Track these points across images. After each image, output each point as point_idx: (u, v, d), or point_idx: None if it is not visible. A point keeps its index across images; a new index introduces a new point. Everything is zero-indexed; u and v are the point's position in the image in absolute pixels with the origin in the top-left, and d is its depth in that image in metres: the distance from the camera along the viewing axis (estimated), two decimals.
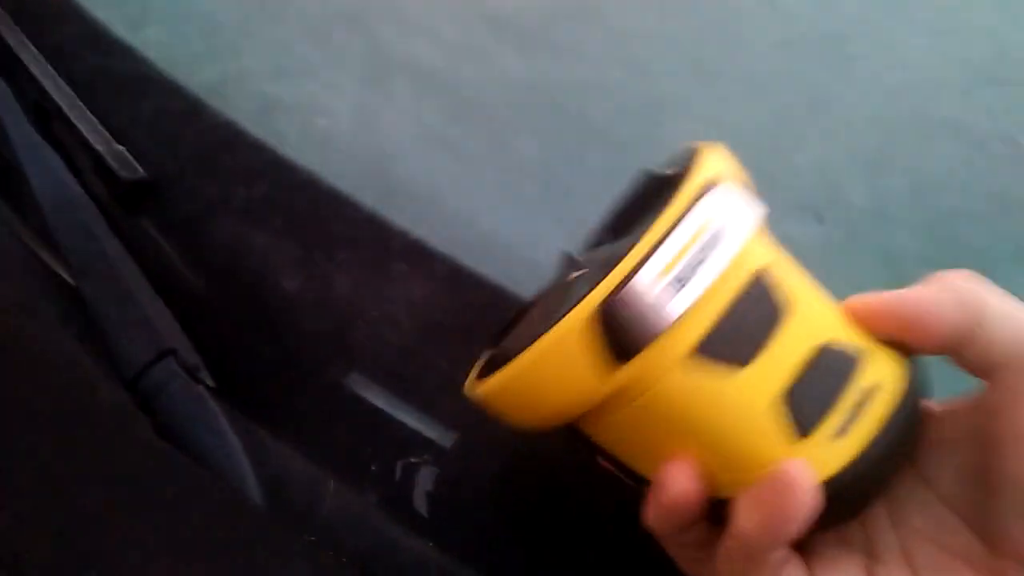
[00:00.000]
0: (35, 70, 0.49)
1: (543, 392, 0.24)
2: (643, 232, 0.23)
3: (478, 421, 0.38)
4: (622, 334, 0.22)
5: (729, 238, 0.23)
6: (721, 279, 0.23)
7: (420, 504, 0.37)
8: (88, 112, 0.47)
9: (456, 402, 0.39)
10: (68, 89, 0.49)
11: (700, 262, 0.22)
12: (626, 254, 0.23)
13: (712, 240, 0.23)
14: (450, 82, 0.49)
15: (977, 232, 0.43)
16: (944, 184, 0.44)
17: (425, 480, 0.37)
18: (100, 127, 0.47)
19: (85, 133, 0.46)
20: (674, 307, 0.22)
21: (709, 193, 0.23)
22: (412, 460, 0.38)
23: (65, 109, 0.47)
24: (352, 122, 0.47)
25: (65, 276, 0.43)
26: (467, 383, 0.29)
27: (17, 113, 0.48)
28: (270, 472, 0.36)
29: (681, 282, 0.22)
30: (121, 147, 0.46)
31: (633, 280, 0.22)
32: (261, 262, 0.42)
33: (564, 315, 0.23)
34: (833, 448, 0.23)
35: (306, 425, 0.39)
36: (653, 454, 0.25)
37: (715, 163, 0.25)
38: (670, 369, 0.23)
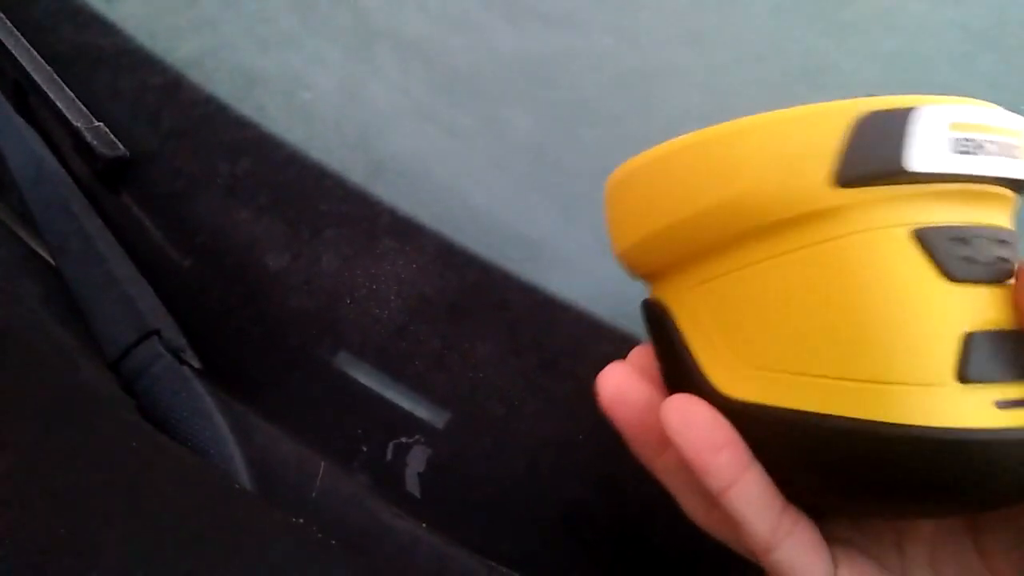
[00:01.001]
0: (11, 46, 0.48)
1: (750, 166, 0.21)
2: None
3: (470, 400, 0.38)
4: (877, 151, 0.20)
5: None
6: (988, 191, 0.21)
7: (412, 485, 0.37)
8: (66, 88, 0.46)
9: (448, 381, 0.38)
10: (46, 65, 0.47)
11: (1008, 153, 0.20)
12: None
13: (1012, 150, 0.20)
14: (438, 53, 0.47)
15: None
16: None
17: (417, 461, 0.37)
18: (79, 103, 0.45)
19: (63, 109, 0.44)
20: (947, 162, 0.20)
21: None
22: (403, 440, 0.37)
23: (43, 85, 0.46)
24: (337, 95, 0.46)
25: (46, 256, 0.42)
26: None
27: None
28: (258, 454, 0.36)
29: (975, 149, 0.20)
30: (100, 123, 0.44)
31: (931, 107, 0.20)
32: (246, 240, 0.41)
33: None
34: (981, 412, 0.20)
35: (295, 406, 0.38)
36: (765, 338, 0.22)
37: None
38: (885, 227, 0.20)
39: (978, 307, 0.21)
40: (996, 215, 0.22)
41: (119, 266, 0.39)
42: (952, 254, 0.20)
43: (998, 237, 0.21)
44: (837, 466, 0.22)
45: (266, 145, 0.44)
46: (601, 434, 0.34)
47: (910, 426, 0.20)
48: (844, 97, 0.22)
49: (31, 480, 0.31)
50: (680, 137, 0.23)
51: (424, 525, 0.35)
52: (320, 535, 0.31)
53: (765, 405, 0.22)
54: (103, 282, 0.38)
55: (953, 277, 0.20)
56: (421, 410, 0.37)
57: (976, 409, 0.20)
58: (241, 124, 0.45)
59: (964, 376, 0.20)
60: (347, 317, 0.39)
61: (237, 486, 0.33)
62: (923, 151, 0.20)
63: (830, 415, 0.21)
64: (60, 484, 0.31)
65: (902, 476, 0.21)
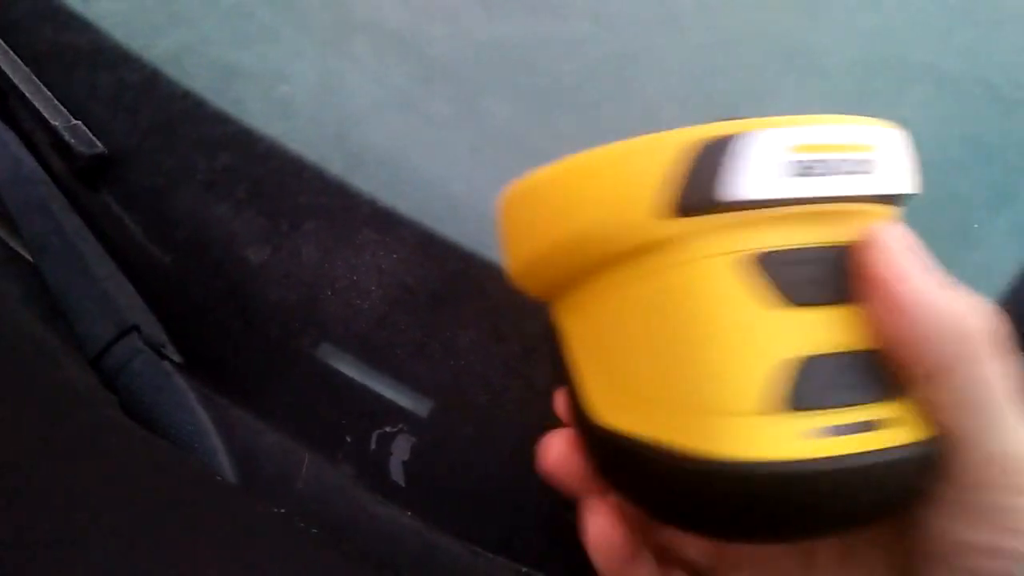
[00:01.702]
0: None
1: (590, 199, 0.21)
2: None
3: (453, 388, 0.38)
4: (707, 180, 0.19)
5: (881, 179, 0.20)
6: (839, 210, 0.20)
7: (396, 474, 0.37)
8: (44, 88, 0.46)
9: (430, 370, 0.38)
10: (23, 66, 0.47)
11: (839, 171, 0.19)
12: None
13: (863, 165, 0.20)
14: (416, 43, 0.47)
15: (954, 178, 0.42)
16: (921, 130, 0.42)
17: (401, 450, 0.37)
18: (56, 102, 0.45)
19: (41, 109, 0.44)
20: (776, 187, 0.19)
21: (895, 132, 0.21)
22: (387, 430, 0.37)
23: (20, 86, 0.46)
24: (315, 88, 0.46)
25: (26, 256, 0.42)
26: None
27: None
28: (242, 447, 0.36)
29: (810, 171, 0.19)
30: (79, 122, 0.44)
31: (761, 131, 0.19)
32: (226, 234, 0.41)
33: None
34: (801, 440, 0.20)
35: (277, 398, 0.38)
36: (616, 364, 0.22)
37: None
38: (721, 255, 0.20)
39: (816, 331, 0.20)
40: (837, 232, 0.21)
41: (99, 263, 0.39)
42: (787, 278, 0.20)
43: (839, 256, 0.21)
44: (667, 496, 0.22)
45: (245, 139, 0.44)
46: None
47: (721, 459, 0.20)
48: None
49: (15, 477, 0.31)
50: (551, 165, 0.23)
51: (409, 513, 0.35)
52: (303, 525, 0.32)
53: (619, 433, 0.22)
54: (83, 280, 0.38)
55: (788, 301, 0.20)
56: (404, 399, 0.37)
57: (797, 439, 0.19)
58: (220, 119, 0.44)
59: (790, 404, 0.20)
60: (328, 309, 0.39)
61: (220, 479, 0.33)
62: (747, 178, 0.19)
63: (662, 445, 0.21)
64: (44, 481, 0.31)
65: (724, 508, 0.21)
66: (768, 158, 0.19)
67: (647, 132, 0.22)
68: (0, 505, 0.30)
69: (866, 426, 0.20)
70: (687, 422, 0.21)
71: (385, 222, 0.41)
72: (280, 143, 0.43)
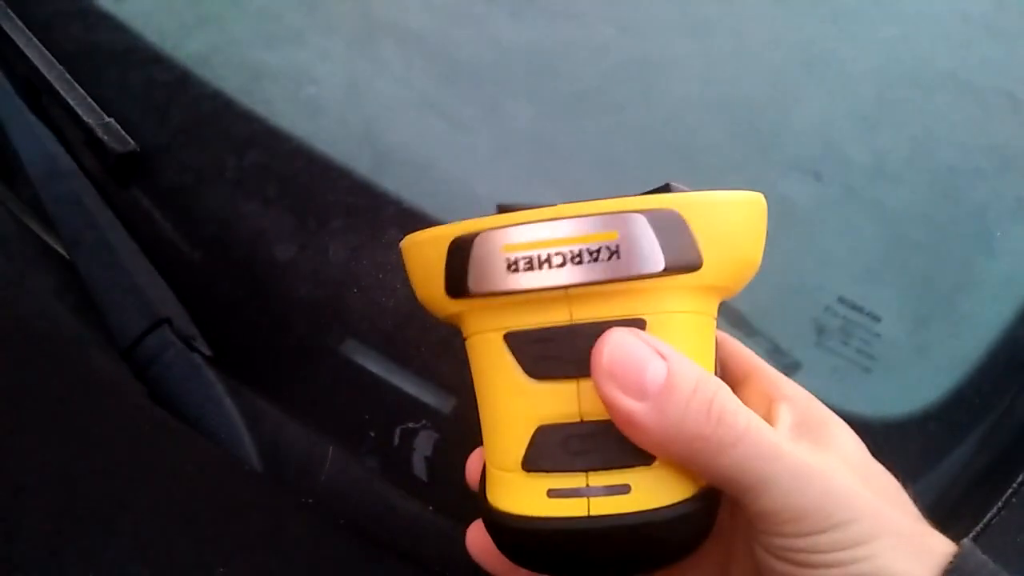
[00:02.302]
0: (23, 45, 0.48)
1: (425, 274, 0.25)
2: (555, 207, 0.23)
3: None
4: (457, 273, 0.23)
5: (610, 264, 0.22)
6: (571, 293, 0.22)
7: (419, 469, 0.37)
8: (77, 86, 0.47)
9: (453, 367, 0.39)
10: (57, 64, 0.48)
11: (565, 262, 0.22)
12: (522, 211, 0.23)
13: (591, 254, 0.22)
14: (441, 46, 0.48)
15: (976, 188, 0.42)
16: (943, 139, 0.43)
17: (424, 445, 0.37)
18: (89, 100, 0.46)
19: (75, 106, 0.45)
20: (501, 280, 0.22)
21: (634, 214, 0.22)
22: (410, 425, 0.38)
23: (54, 83, 0.46)
24: (343, 89, 0.47)
25: (59, 250, 0.43)
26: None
27: (6, 88, 0.48)
28: (268, 439, 0.36)
29: (527, 266, 0.22)
30: (111, 119, 0.45)
31: (484, 234, 0.22)
32: (254, 232, 0.42)
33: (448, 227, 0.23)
34: (535, 500, 0.23)
35: (303, 393, 0.39)
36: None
37: (687, 202, 0.23)
38: (486, 331, 0.23)
39: (554, 401, 0.23)
40: (589, 312, 0.23)
41: (131, 258, 0.40)
42: (531, 354, 0.23)
43: (587, 334, 0.22)
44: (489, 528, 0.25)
45: (273, 138, 0.44)
46: None
47: (492, 508, 0.24)
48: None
49: (47, 464, 0.31)
50: (417, 233, 0.25)
51: (431, 508, 0.36)
52: (330, 515, 0.32)
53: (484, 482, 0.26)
54: (116, 273, 0.39)
55: (532, 374, 0.23)
56: (427, 396, 0.38)
57: (532, 497, 0.23)
58: (248, 118, 0.45)
59: (528, 466, 0.23)
60: (354, 306, 0.40)
61: (248, 468, 0.34)
62: (479, 274, 0.22)
63: (483, 488, 0.25)
64: (75, 468, 0.32)
65: (515, 551, 0.24)
66: (489, 257, 0.22)
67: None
68: (29, 491, 0.30)
69: (597, 490, 0.22)
70: (490, 472, 0.25)
71: (410, 221, 0.41)
72: (308, 142, 0.44)
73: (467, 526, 0.35)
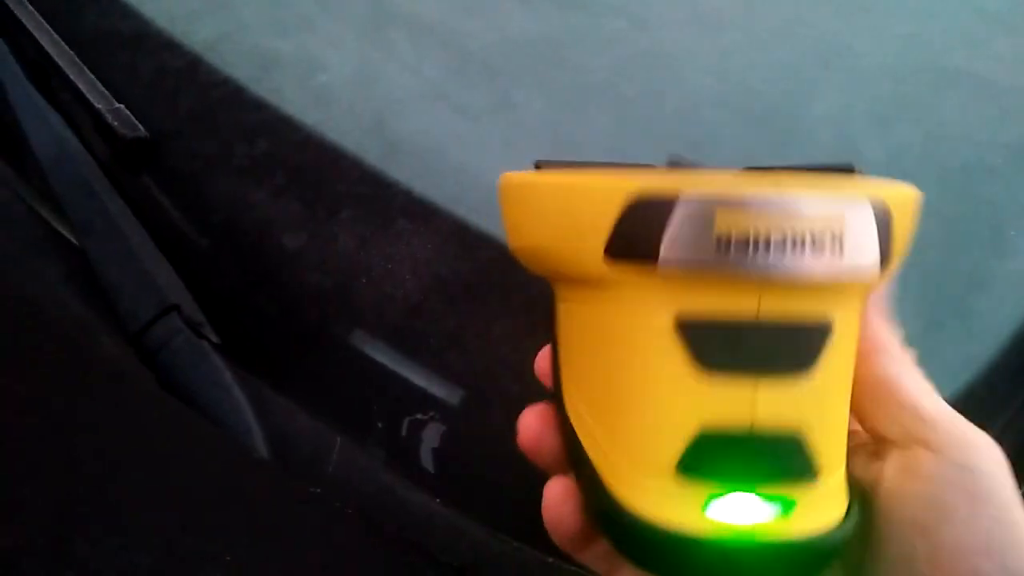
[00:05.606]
0: (33, 29, 0.48)
1: (560, 224, 0.22)
2: (785, 179, 0.19)
3: (485, 378, 0.38)
4: (639, 234, 0.19)
5: (832, 259, 0.19)
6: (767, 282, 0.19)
7: (427, 461, 0.37)
8: (87, 71, 0.47)
9: (462, 359, 0.39)
10: (67, 48, 0.48)
11: (789, 247, 0.18)
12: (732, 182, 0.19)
13: (814, 243, 0.18)
14: (452, 36, 0.48)
15: (991, 185, 0.42)
16: (958, 136, 0.43)
17: (431, 437, 0.37)
18: (100, 85, 0.46)
19: (84, 91, 0.45)
20: (706, 254, 0.18)
21: (861, 203, 0.19)
22: (418, 417, 0.38)
23: (64, 68, 0.46)
24: (353, 78, 0.47)
25: (68, 236, 0.43)
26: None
27: (16, 72, 0.48)
28: (276, 428, 0.36)
29: (753, 244, 0.18)
30: (121, 105, 0.45)
31: (702, 195, 0.18)
32: (263, 220, 0.42)
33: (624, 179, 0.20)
34: (692, 509, 0.20)
35: (311, 382, 0.39)
36: (580, 372, 0.23)
37: (893, 194, 0.20)
38: (647, 308, 0.20)
39: (724, 402, 0.20)
40: (779, 305, 0.20)
41: (140, 244, 0.40)
42: (706, 345, 0.20)
43: (772, 331, 0.20)
44: (594, 516, 0.23)
45: (283, 127, 0.44)
46: None
47: (624, 509, 0.20)
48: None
49: (57, 450, 0.31)
50: (541, 174, 0.23)
51: (438, 500, 0.36)
52: (338, 505, 0.32)
53: (576, 439, 0.23)
54: (125, 260, 0.39)
55: (704, 368, 0.20)
56: (436, 387, 0.38)
57: (687, 508, 0.20)
58: (258, 106, 0.45)
59: (684, 471, 0.20)
60: (363, 296, 0.40)
61: (256, 455, 0.34)
62: (681, 242, 0.19)
63: (596, 476, 0.22)
64: (84, 453, 0.32)
65: (635, 552, 0.21)
66: (695, 224, 0.19)
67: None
68: (37, 476, 0.30)
69: (762, 506, 0.20)
70: (616, 463, 0.21)
71: (420, 212, 0.41)
72: (318, 131, 0.44)
73: (474, 517, 0.35)
